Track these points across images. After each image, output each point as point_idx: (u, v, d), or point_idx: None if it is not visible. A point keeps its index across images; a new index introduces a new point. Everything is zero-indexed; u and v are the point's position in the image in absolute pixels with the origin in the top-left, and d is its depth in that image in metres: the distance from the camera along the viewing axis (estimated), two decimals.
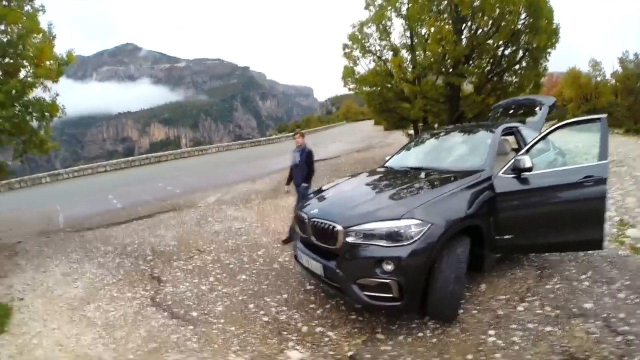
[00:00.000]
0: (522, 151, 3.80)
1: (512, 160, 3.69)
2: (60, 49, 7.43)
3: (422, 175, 4.18)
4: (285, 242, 5.83)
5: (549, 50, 11.24)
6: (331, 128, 45.58)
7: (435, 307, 3.18)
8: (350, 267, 3.21)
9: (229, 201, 9.76)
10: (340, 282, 3.30)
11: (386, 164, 5.18)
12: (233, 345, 3.33)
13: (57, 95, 7.37)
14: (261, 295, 4.29)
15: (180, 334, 3.59)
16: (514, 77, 12.01)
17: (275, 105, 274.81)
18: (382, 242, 3.07)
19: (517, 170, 3.64)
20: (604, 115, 3.78)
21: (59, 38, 7.31)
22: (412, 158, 5.12)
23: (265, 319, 3.76)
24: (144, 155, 27.17)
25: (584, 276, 3.97)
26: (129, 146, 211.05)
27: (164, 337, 3.55)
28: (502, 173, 3.74)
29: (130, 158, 27.10)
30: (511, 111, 7.23)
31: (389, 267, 3.00)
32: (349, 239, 3.20)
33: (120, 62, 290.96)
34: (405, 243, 3.02)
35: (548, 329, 3.13)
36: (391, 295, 3.04)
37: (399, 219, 3.11)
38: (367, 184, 4.38)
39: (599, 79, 28.38)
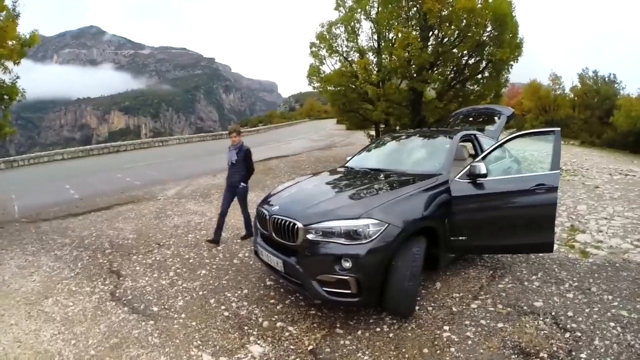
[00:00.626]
0: (479, 158, 4.00)
1: (469, 166, 3.88)
2: (23, 28, 7.09)
3: (382, 176, 4.32)
4: (211, 241, 5.80)
5: (512, 62, 11.73)
6: (293, 125, 45.43)
7: (392, 303, 3.32)
8: (310, 264, 3.30)
9: (188, 195, 9.65)
10: (300, 278, 3.38)
11: (347, 164, 5.31)
12: (195, 340, 3.35)
13: (18, 77, 7.06)
14: (222, 290, 4.32)
15: (142, 329, 3.57)
16: (476, 85, 12.48)
17: (239, 99, 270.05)
18: (342, 240, 3.18)
19: (473, 176, 3.84)
20: (558, 129, 4.05)
21: (23, 16, 6.98)
22: (372, 159, 5.26)
23: (226, 314, 3.79)
24: (103, 145, 26.22)
25: (534, 277, 4.28)
26: (87, 134, 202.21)
27: (125, 333, 3.52)
28: (459, 178, 3.93)
29: (88, 147, 26.17)
30: (471, 119, 7.55)
31: (347, 264, 3.12)
32: (309, 236, 3.29)
33: (83, 45, 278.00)
34: (363, 241, 3.14)
35: (500, 325, 3.34)
36: (350, 291, 3.15)
37: (357, 218, 3.23)
38: (328, 183, 4.48)
39: (558, 92, 29.90)
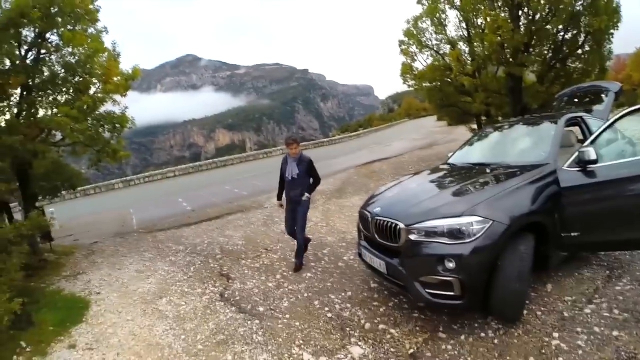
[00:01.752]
0: (587, 142, 3.61)
1: (577, 153, 3.52)
2: (125, 65, 8.01)
3: (484, 170, 4.11)
4: (296, 269, 5.21)
5: (611, 31, 10.51)
6: (393, 126, 45.03)
7: (497, 306, 3.14)
8: (413, 265, 3.26)
9: None
10: (402, 280, 3.35)
11: (448, 161, 5.15)
12: (297, 340, 3.48)
13: (126, 108, 7.92)
14: (326, 292, 4.41)
15: (247, 327, 3.80)
16: (577, 62, 11.34)
17: (336, 105, 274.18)
18: (444, 240, 3.09)
19: (582, 163, 3.46)
20: None
21: (123, 54, 7.87)
22: (474, 153, 5.06)
23: (329, 315, 3.88)
24: (210, 160, 28.33)
25: None
26: (196, 152, 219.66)
27: (231, 330, 3.77)
28: (567, 166, 3.59)
29: (197, 163, 28.45)
30: (576, 100, 6.83)
31: (450, 264, 3.02)
32: (411, 237, 3.25)
33: (182, 72, 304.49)
34: (467, 240, 3.02)
35: (615, 333, 3.00)
36: (453, 293, 3.05)
37: (460, 215, 3.11)
38: (429, 182, 4.39)
39: None
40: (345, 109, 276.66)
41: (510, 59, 10.94)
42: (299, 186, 5.16)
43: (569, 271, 4.07)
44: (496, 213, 3.11)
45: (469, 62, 12.39)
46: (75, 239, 9.07)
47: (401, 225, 3.33)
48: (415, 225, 3.25)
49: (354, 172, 13.15)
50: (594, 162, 3.42)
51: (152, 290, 5.08)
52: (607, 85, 6.35)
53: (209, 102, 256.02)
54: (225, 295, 4.64)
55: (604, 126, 3.70)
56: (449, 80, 12.77)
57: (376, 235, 3.69)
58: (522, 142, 4.66)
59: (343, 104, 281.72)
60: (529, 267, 3.17)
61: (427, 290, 3.16)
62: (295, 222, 5.21)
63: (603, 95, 6.08)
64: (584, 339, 2.97)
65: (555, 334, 3.07)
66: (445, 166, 4.93)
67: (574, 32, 10.82)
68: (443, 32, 12.82)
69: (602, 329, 3.07)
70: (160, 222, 9.64)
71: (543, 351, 2.90)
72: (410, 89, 14.65)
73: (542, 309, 3.47)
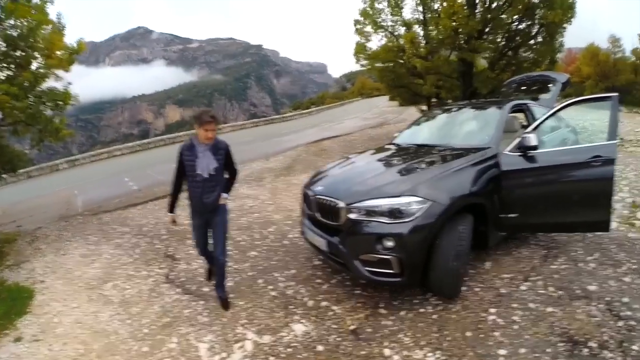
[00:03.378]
0: (529, 129, 3.73)
1: (519, 138, 3.66)
2: (70, 37, 7.51)
3: (427, 152, 4.18)
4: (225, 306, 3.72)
5: (565, 25, 10.88)
6: (346, 104, 44.90)
7: (436, 283, 3.23)
8: (353, 243, 3.28)
9: (242, 179, 9.74)
10: (343, 258, 3.37)
11: (395, 141, 5.18)
12: (241, 319, 3.47)
13: (70, 84, 7.50)
14: (270, 270, 4.40)
15: (192, 308, 3.75)
16: (529, 52, 11.69)
17: (290, 82, 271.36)
18: (384, 219, 3.12)
19: (523, 148, 3.61)
20: (616, 94, 3.69)
21: (69, 26, 7.39)
22: (420, 135, 5.13)
23: (273, 293, 3.88)
24: (159, 137, 27.27)
25: (590, 257, 3.94)
26: (145, 129, 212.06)
27: (177, 312, 3.72)
28: (508, 151, 3.71)
29: (145, 140, 27.31)
30: (524, 87, 7.09)
31: (390, 243, 3.06)
32: (352, 216, 3.26)
33: (133, 45, 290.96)
34: (405, 220, 3.06)
35: (549, 309, 3.14)
36: (392, 271, 3.10)
37: (399, 196, 3.15)
38: (372, 161, 4.39)
39: (618, 55, 27.48)
40: (299, 86, 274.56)
41: (464, 45, 11.15)
42: (216, 187, 3.53)
43: (507, 250, 4.23)
44: (436, 194, 3.17)
45: (423, 45, 12.46)
46: (19, 225, 8.57)
47: (342, 204, 3.35)
48: (355, 205, 3.27)
49: (304, 150, 13.14)
50: (535, 148, 3.56)
51: (97, 275, 4.90)
52: (555, 76, 6.63)
53: (159, 76, 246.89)
54: (171, 277, 4.54)
55: (546, 114, 3.84)
56: (401, 61, 12.79)
57: (318, 214, 3.70)
58: (468, 126, 4.74)
59: (296, 82, 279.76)
60: (467, 247, 3.28)
61: (367, 268, 3.20)
62: (215, 238, 3.67)
63: (550, 85, 6.33)
64: (519, 314, 3.11)
65: (492, 310, 3.19)
66: (391, 146, 4.96)
67: (528, 23, 11.12)
68: (399, 14, 12.77)
69: (537, 305, 3.21)
70: (106, 204, 9.26)
71: (480, 326, 3.01)
72: (364, 68, 14.65)
73: (481, 285, 3.59)
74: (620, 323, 2.90)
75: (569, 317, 3.02)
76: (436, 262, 3.13)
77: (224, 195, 3.61)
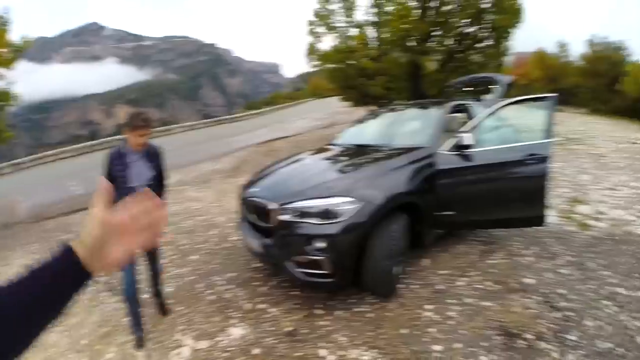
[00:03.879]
0: (466, 128, 3.79)
1: (455, 138, 3.72)
2: (19, 32, 7.05)
3: (364, 152, 4.17)
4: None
5: (513, 29, 11.29)
6: (298, 105, 44.45)
7: (370, 283, 3.21)
8: (285, 245, 3.23)
9: (189, 181, 9.64)
10: (276, 260, 3.34)
11: (336, 141, 5.16)
12: (179, 325, 3.36)
13: (12, 83, 7.08)
14: (210, 274, 4.29)
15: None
16: (478, 55, 12.01)
17: (243, 82, 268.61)
18: (314, 220, 3.07)
19: (459, 147, 3.67)
20: (554, 95, 3.84)
21: (18, 21, 6.94)
22: (362, 135, 5.13)
23: (211, 297, 3.77)
24: (108, 138, 26.07)
25: (528, 251, 4.07)
26: (94, 129, 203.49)
27: (115, 321, 3.58)
28: (445, 150, 3.77)
29: (93, 142, 26.01)
30: (470, 88, 7.28)
31: (320, 244, 3.01)
32: (283, 217, 3.20)
33: (84, 42, 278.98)
34: (336, 221, 3.01)
35: (486, 303, 3.18)
36: (324, 272, 3.06)
37: (331, 196, 3.12)
38: (309, 162, 4.32)
39: (567, 59, 29.03)
40: (252, 86, 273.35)
41: (415, 47, 11.34)
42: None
43: (446, 247, 4.28)
44: (367, 194, 3.15)
45: (374, 46, 12.58)
46: None
47: (273, 205, 3.29)
48: (287, 206, 3.22)
49: (253, 151, 13.07)
50: (469, 147, 3.62)
51: None
52: (499, 78, 6.80)
53: (112, 75, 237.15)
54: (110, 284, 4.35)
55: (484, 114, 3.93)
56: (352, 62, 12.84)
57: (252, 216, 3.64)
58: (408, 126, 4.79)
59: (250, 81, 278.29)
60: (400, 246, 3.27)
61: (299, 269, 3.16)
62: (152, 265, 3.41)
63: (495, 87, 6.52)
64: (455, 309, 3.13)
65: (429, 306, 3.20)
66: (331, 147, 4.94)
67: (478, 27, 11.41)
68: (352, 15, 12.89)
69: (473, 300, 3.25)
70: (50, 210, 8.85)
71: (415, 323, 3.01)
72: (315, 69, 14.69)
73: (418, 283, 3.60)
74: (557, 314, 2.99)
75: (505, 310, 3.07)
76: (369, 262, 3.11)
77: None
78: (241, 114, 35.52)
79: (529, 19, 11.62)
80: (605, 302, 3.13)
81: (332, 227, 3.01)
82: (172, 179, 10.00)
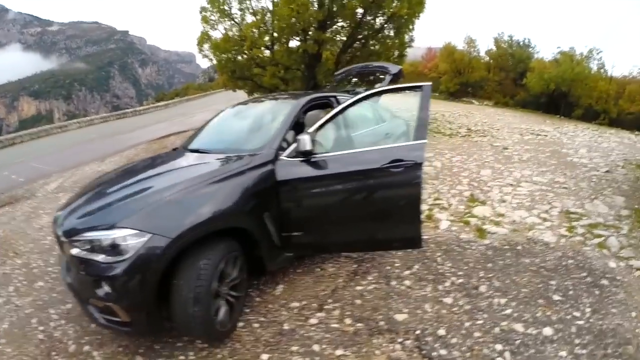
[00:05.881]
0: (312, 128, 3.04)
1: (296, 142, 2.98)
2: None
3: (186, 160, 3.40)
4: None
5: (413, 19, 11.08)
6: (207, 96, 43.16)
7: (184, 329, 2.58)
8: (80, 285, 2.56)
9: (69, 187, 8.30)
10: (78, 299, 2.68)
11: (187, 144, 4.11)
12: None
13: None
14: (48, 306, 3.47)
15: None
16: (377, 45, 11.62)
17: (156, 72, 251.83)
18: (99, 257, 2.33)
19: (300, 153, 2.92)
20: (428, 84, 3.17)
21: None
22: (205, 135, 4.18)
23: (41, 336, 3.04)
24: (11, 135, 22.31)
25: (407, 272, 3.40)
26: None
27: None
28: (286, 156, 3.03)
29: None
30: (355, 78, 6.69)
31: (106, 287, 2.31)
32: (73, 251, 2.44)
33: None
34: (119, 258, 2.27)
35: (339, 352, 2.53)
36: (119, 319, 2.40)
37: (111, 228, 2.34)
38: (125, 175, 3.32)
39: (473, 55, 30.38)
40: (165, 76, 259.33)
41: (308, 35, 10.73)
42: None
43: (310, 267, 3.61)
44: (158, 223, 2.38)
45: (269, 34, 11.75)
46: None
47: (62, 235, 2.56)
48: (74, 238, 2.46)
49: (144, 149, 11.87)
50: (309, 153, 2.90)
51: None
52: (388, 67, 6.27)
53: (15, 64, 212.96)
54: None
55: (332, 112, 3.23)
56: (245, 52, 12.01)
57: (57, 246, 2.90)
58: (251, 126, 3.90)
59: (163, 71, 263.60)
60: (209, 286, 2.44)
61: (99, 313, 2.49)
62: None
63: (385, 76, 5.95)
64: None
65: (265, 356, 2.56)
66: (172, 152, 4.13)
67: (375, 15, 11.04)
68: (246, 2, 11.95)
69: (324, 346, 2.59)
70: None
71: None
72: (205, 59, 13.39)
73: (262, 319, 2.94)
74: None
75: None
76: (175, 306, 2.41)
77: None
78: (145, 107, 33.23)
79: (443, 15, 11.55)
80: (497, 346, 2.50)
81: (116, 267, 2.28)
82: (51, 185, 8.76)
